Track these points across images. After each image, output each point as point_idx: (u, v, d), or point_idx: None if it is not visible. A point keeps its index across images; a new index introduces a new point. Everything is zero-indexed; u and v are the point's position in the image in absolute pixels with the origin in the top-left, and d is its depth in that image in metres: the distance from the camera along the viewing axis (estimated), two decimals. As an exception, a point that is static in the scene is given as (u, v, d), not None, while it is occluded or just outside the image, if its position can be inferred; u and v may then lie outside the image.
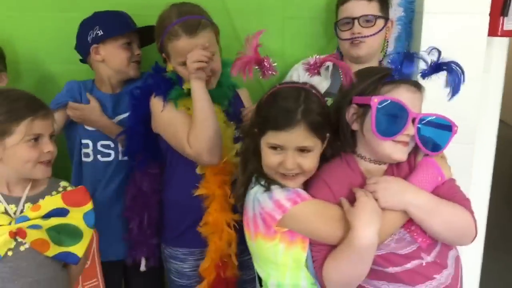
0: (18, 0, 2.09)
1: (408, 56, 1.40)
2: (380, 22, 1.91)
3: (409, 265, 1.40)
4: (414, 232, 1.40)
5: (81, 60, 2.03)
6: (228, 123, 1.80)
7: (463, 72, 1.39)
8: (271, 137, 1.38)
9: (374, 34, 1.89)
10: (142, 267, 1.92)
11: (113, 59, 1.95)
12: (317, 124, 1.37)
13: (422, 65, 1.43)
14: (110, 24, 1.92)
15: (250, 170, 1.47)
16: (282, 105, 1.37)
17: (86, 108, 1.94)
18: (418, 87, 1.41)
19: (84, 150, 1.98)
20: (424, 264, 1.40)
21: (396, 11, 2.08)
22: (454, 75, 1.39)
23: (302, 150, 1.37)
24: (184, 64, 1.69)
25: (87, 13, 1.96)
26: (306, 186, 1.47)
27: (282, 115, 1.35)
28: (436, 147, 1.43)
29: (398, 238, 1.41)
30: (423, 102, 1.42)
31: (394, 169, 1.46)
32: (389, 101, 1.36)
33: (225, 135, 1.74)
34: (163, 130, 1.76)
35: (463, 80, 1.39)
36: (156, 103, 1.75)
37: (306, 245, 1.42)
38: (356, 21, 1.89)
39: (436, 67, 1.41)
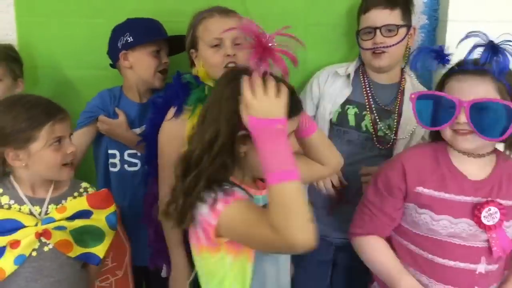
0: (45, 6, 2.13)
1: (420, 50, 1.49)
2: (402, 31, 1.88)
3: (462, 265, 1.43)
4: (494, 239, 1.42)
5: (111, 65, 2.05)
6: None
7: None
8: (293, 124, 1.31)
9: (396, 44, 1.87)
10: (164, 273, 1.92)
11: (140, 66, 1.97)
12: None
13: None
14: (140, 31, 1.94)
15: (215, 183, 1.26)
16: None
17: (114, 123, 1.96)
18: (473, 72, 1.37)
19: (111, 160, 2.00)
20: (477, 272, 1.42)
21: (419, 19, 2.08)
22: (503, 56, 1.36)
23: None
24: (215, 45, 1.72)
25: (112, 19, 1.98)
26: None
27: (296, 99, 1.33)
28: (494, 132, 1.37)
29: (472, 234, 1.44)
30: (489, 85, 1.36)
31: (504, 175, 1.46)
32: (423, 95, 1.46)
33: None
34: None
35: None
36: (168, 116, 1.77)
37: (252, 254, 1.30)
38: (378, 31, 1.86)
39: (492, 48, 1.36)
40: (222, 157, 1.24)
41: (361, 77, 2.00)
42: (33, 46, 2.15)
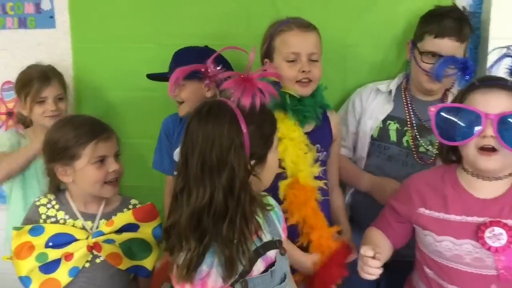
0: (98, 33, 2.25)
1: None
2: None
3: None
4: (502, 262, 1.34)
5: None
6: (310, 146, 1.76)
7: None
8: None
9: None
10: None
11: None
12: None
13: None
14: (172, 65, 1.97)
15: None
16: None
17: None
18: (498, 86, 1.32)
19: None
20: None
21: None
22: None
23: None
24: (291, 61, 1.72)
25: (161, 44, 2.08)
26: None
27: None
28: None
29: (478, 257, 1.37)
30: None
31: None
32: (445, 108, 1.37)
33: (304, 160, 1.71)
34: None
35: None
36: None
37: None
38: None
39: None
40: (245, 192, 1.20)
41: (403, 93, 2.00)
42: (87, 70, 2.28)
